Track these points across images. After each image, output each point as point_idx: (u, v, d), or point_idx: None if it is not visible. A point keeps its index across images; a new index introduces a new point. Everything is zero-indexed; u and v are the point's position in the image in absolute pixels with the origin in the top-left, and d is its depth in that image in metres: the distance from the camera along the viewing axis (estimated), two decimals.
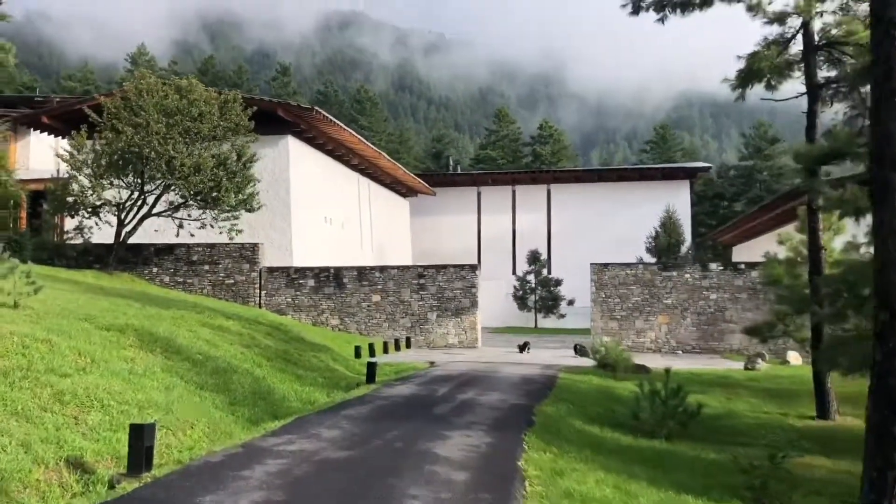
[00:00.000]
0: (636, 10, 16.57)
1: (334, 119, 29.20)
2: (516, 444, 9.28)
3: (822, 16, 15.21)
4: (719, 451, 10.90)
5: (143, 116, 23.25)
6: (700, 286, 26.02)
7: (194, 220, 24.80)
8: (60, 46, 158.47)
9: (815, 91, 14.91)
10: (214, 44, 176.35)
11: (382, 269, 27.56)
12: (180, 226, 25.06)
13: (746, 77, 15.82)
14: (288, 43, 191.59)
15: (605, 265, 26.65)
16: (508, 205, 44.95)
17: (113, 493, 6.91)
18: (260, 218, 26.79)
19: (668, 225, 36.70)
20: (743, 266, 26.47)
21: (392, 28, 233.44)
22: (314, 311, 26.78)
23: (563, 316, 39.00)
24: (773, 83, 16.07)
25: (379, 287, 26.76)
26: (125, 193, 24.72)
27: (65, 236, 26.93)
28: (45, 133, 30.06)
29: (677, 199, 40.11)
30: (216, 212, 24.50)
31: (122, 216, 24.83)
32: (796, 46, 15.45)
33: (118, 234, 24.98)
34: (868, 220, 12.25)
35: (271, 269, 27.04)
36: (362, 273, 27.06)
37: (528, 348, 24.47)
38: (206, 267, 26.89)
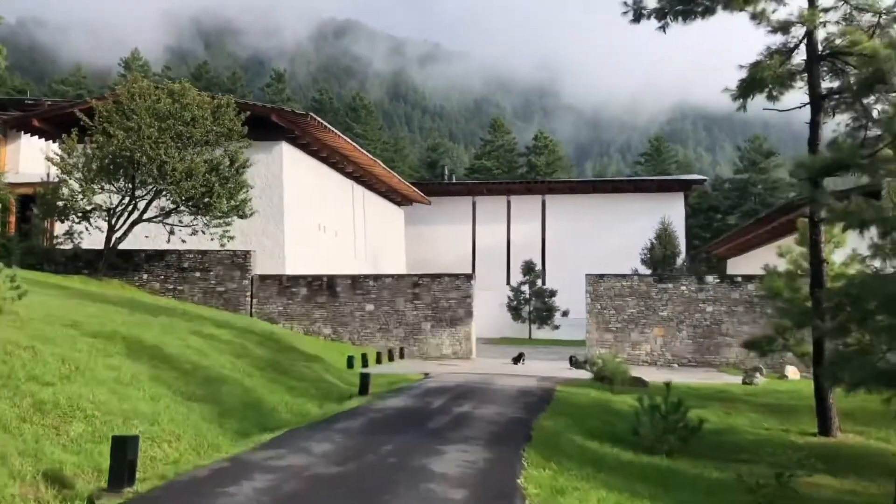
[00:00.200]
0: (637, 19, 16.42)
1: (329, 125, 28.92)
2: (515, 460, 8.97)
3: (825, 26, 15.04)
4: (722, 468, 10.62)
5: (135, 120, 22.93)
6: (696, 298, 25.78)
7: (186, 226, 24.46)
8: (54, 51, 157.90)
9: (818, 101, 14.70)
10: (209, 50, 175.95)
11: (376, 277, 27.23)
12: (171, 232, 24.70)
13: (748, 87, 15.58)
14: (283, 50, 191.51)
15: (601, 276, 26.40)
16: (503, 215, 44.72)
17: None
18: (252, 225, 26.46)
19: (664, 236, 36.51)
20: (739, 279, 26.24)
21: (387, 37, 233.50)
22: (306, 320, 26.43)
23: (557, 327, 38.74)
24: (774, 93, 15.84)
25: (373, 296, 26.43)
26: (116, 198, 24.36)
27: (54, 241, 26.54)
28: (36, 136, 29.68)
29: (672, 212, 39.99)
30: (208, 218, 24.16)
31: (113, 221, 24.47)
32: (799, 56, 15.26)
33: (108, 239, 24.61)
34: (873, 232, 12.12)
35: (263, 277, 26.68)
36: (356, 281, 26.72)
37: (523, 360, 24.17)
38: (197, 274, 26.52)
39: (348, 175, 34.85)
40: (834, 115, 15.38)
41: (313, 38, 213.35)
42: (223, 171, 24.00)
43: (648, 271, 34.16)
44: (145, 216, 24.52)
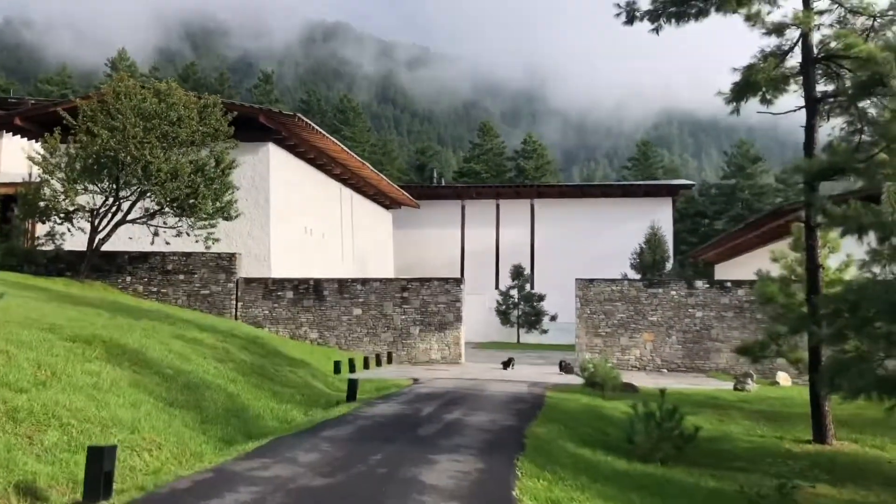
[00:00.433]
0: (630, 20, 16.22)
1: (317, 127, 28.59)
2: (509, 470, 8.67)
3: (819, 29, 14.88)
4: (719, 477, 10.38)
5: (119, 120, 22.51)
6: (686, 304, 25.60)
7: (170, 227, 24.06)
8: (40, 51, 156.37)
9: (813, 105, 14.51)
10: (197, 52, 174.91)
11: (364, 281, 26.89)
12: (155, 233, 24.30)
13: (742, 90, 15.38)
14: (271, 52, 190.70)
15: (591, 281, 26.18)
16: (492, 219, 44.52)
17: None
18: (238, 227, 26.11)
19: (654, 241, 36.36)
20: (729, 284, 26.07)
21: (376, 40, 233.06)
22: (292, 324, 26.05)
23: (545, 331, 38.61)
24: (768, 97, 15.66)
25: (360, 300, 26.09)
26: (99, 199, 23.91)
27: (36, 242, 26.06)
28: (18, 135, 29.14)
29: (660, 216, 39.93)
30: (193, 219, 23.78)
31: (96, 222, 24.03)
32: (794, 59, 15.09)
33: (91, 240, 24.16)
34: (870, 237, 11.93)
35: (249, 280, 26.30)
36: (343, 285, 26.37)
37: (513, 365, 23.89)
38: (182, 276, 26.11)
39: (336, 177, 34.50)
40: (828, 119, 15.23)
41: (302, 41, 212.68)
42: (209, 172, 23.62)
43: (638, 276, 34.01)
44: (129, 217, 24.09)
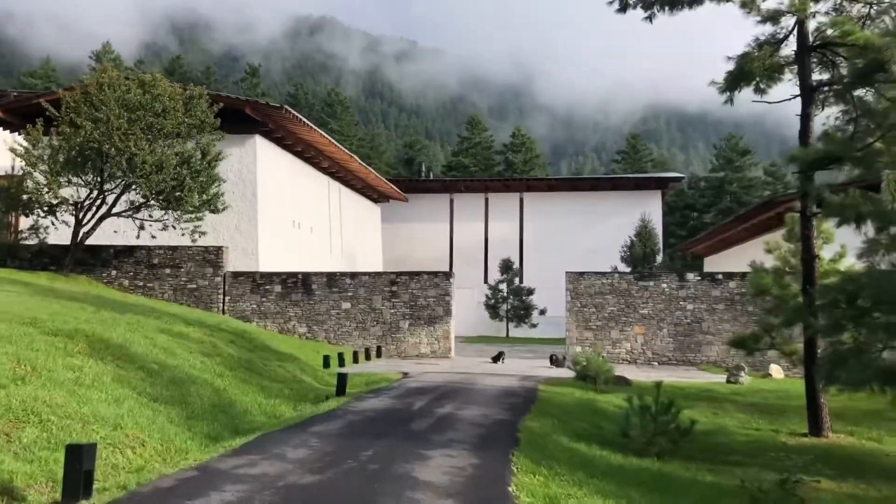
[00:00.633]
0: (623, 8, 16.01)
1: (304, 119, 28.22)
2: (504, 466, 8.43)
3: (814, 17, 14.70)
4: (716, 472, 10.20)
5: (103, 111, 22.10)
6: (677, 296, 25.47)
7: (156, 220, 23.72)
8: (23, 45, 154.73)
9: (809, 93, 14.33)
10: (183, 46, 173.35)
11: (353, 275, 26.58)
12: (141, 227, 23.95)
13: (736, 79, 15.19)
14: (257, 47, 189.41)
15: (581, 274, 25.99)
16: (481, 213, 44.28)
17: None
18: (225, 220, 25.77)
19: (644, 234, 36.20)
20: (720, 276, 25.93)
21: (363, 34, 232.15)
22: (281, 319, 25.74)
23: (534, 325, 38.42)
24: (762, 86, 15.48)
25: (349, 294, 25.79)
26: (83, 192, 23.51)
27: (19, 236, 25.59)
28: (0, 128, 28.63)
29: (649, 209, 39.73)
30: (179, 212, 23.43)
31: (80, 216, 23.62)
32: (788, 48, 14.90)
33: (75, 234, 23.76)
34: (868, 227, 11.76)
35: (236, 274, 25.95)
36: (332, 279, 26.06)
37: (503, 358, 23.69)
38: (168, 270, 25.73)
39: (324, 171, 34.15)
40: (823, 109, 15.05)
41: (287, 35, 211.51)
42: (195, 165, 23.26)
43: (628, 269, 33.86)
44: (114, 210, 23.69)
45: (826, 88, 14.68)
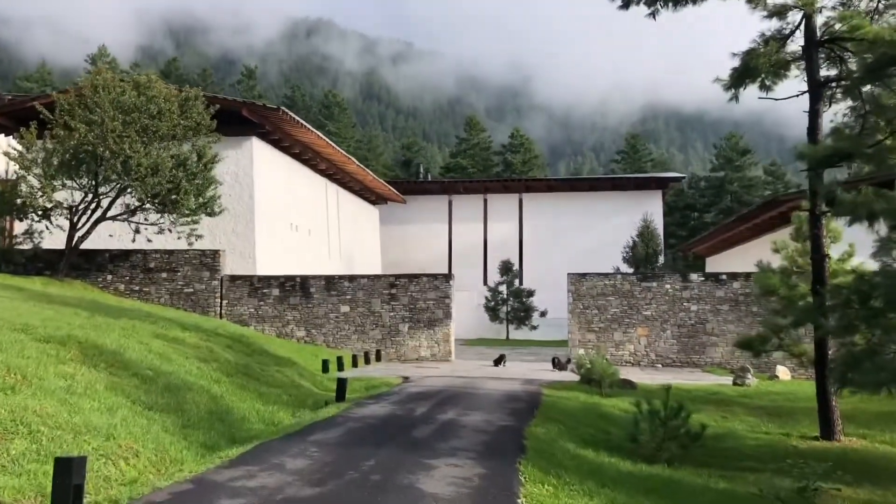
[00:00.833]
0: (626, 5, 15.72)
1: (301, 120, 27.93)
2: (511, 475, 8.11)
3: (822, 11, 14.43)
4: (729, 478, 9.89)
5: (98, 113, 21.81)
6: (680, 297, 25.17)
7: (151, 224, 23.42)
8: (19, 50, 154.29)
9: (817, 89, 14.03)
10: (179, 50, 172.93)
11: (352, 278, 26.27)
12: (137, 230, 23.64)
13: (741, 76, 14.93)
14: (254, 49, 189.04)
15: (583, 275, 25.69)
16: (480, 214, 43.98)
17: None
18: (221, 223, 25.45)
19: (646, 234, 35.91)
20: (724, 277, 25.63)
21: (359, 36, 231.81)
22: (279, 322, 25.42)
23: (535, 328, 38.09)
24: (767, 83, 15.24)
25: (348, 297, 25.48)
26: (78, 195, 23.23)
27: (13, 241, 25.28)
28: None
29: (650, 210, 39.47)
30: (175, 216, 23.12)
31: (75, 220, 23.32)
32: (795, 43, 14.63)
33: (70, 238, 23.45)
34: (881, 226, 11.45)
35: (233, 278, 25.63)
36: (330, 282, 25.74)
37: (504, 362, 23.38)
38: (164, 274, 25.41)
39: (321, 173, 33.85)
40: (830, 105, 14.77)
41: (284, 38, 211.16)
42: (191, 167, 22.96)
43: (630, 270, 33.57)
44: (109, 214, 23.40)
45: (834, 84, 14.43)
